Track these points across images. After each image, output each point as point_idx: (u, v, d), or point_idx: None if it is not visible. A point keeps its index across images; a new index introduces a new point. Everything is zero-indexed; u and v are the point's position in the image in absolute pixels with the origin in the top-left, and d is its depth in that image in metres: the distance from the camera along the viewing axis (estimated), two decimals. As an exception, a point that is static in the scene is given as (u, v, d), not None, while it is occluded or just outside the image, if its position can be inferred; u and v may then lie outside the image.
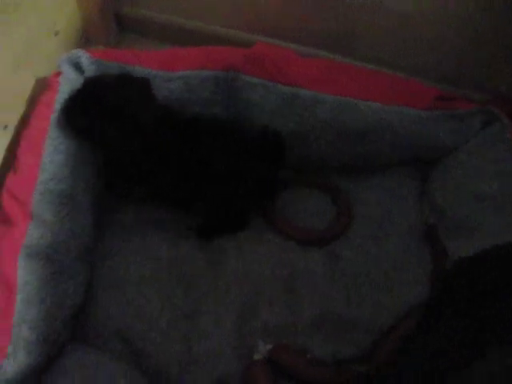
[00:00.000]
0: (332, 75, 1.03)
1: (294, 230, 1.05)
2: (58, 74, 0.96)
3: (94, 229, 0.99)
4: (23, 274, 0.82)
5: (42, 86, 0.99)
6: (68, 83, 0.94)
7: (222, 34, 1.25)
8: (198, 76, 1.01)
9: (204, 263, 1.02)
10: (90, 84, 0.92)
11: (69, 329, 0.89)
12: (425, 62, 1.17)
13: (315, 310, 0.98)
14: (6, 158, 0.96)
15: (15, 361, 0.77)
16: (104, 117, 0.89)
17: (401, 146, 1.06)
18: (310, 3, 1.13)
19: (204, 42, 1.09)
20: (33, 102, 0.99)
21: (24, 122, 0.96)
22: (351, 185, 1.11)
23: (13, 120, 0.98)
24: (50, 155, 0.90)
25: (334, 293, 0.99)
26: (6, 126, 0.96)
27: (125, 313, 0.95)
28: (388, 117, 1.01)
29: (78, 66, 0.98)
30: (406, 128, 1.03)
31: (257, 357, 0.92)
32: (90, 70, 0.98)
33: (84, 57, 0.97)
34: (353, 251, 1.04)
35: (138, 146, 0.93)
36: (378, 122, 1.02)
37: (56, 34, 1.08)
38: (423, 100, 1.03)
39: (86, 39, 1.23)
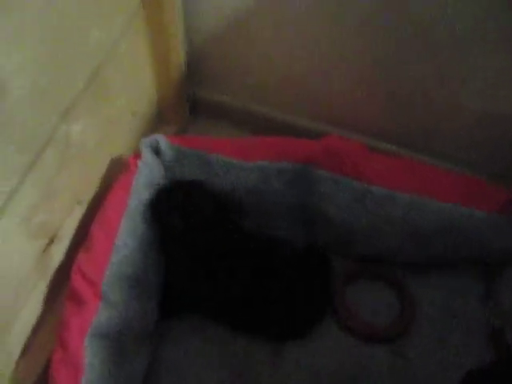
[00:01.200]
0: (406, 173, 1.04)
1: (359, 325, 1.03)
2: (137, 156, 0.98)
3: (159, 313, 0.98)
4: (89, 355, 0.82)
5: (118, 165, 1.02)
6: (146, 167, 0.97)
7: (293, 122, 1.27)
8: (275, 167, 1.02)
9: (264, 353, 1.01)
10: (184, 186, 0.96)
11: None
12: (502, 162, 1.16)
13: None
14: (77, 233, 0.98)
15: None
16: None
17: (470, 247, 1.04)
18: (386, 100, 1.14)
19: (275, 129, 1.12)
20: (108, 180, 1.01)
21: (98, 199, 0.98)
22: (415, 281, 1.09)
23: (87, 197, 1.00)
24: (124, 238, 0.91)
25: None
26: (80, 202, 0.98)
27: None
28: (459, 218, 1.01)
29: (156, 151, 1.00)
30: (476, 231, 1.02)
31: None
32: (168, 154, 1.00)
33: (163, 142, 1.00)
34: (417, 352, 1.02)
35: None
36: (449, 223, 1.01)
37: (133, 114, 1.12)
38: (495, 202, 1.03)
39: (159, 120, 1.26)
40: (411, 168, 1.06)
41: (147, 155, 0.98)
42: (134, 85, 1.10)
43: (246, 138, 1.07)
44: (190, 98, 1.30)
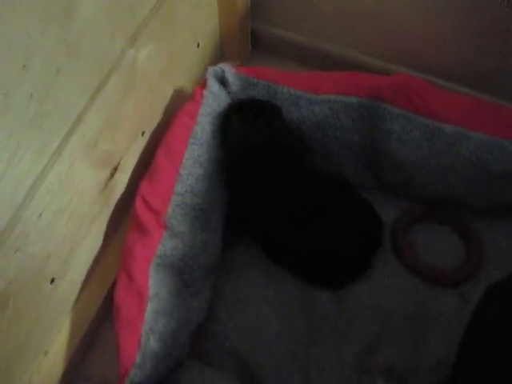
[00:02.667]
0: (478, 112, 0.99)
1: (425, 268, 1.00)
2: (203, 86, 0.96)
3: (222, 245, 0.97)
4: (155, 284, 0.81)
5: (182, 97, 0.99)
6: (212, 96, 0.95)
7: (357, 60, 1.23)
8: (344, 101, 0.98)
9: (327, 292, 0.98)
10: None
11: (190, 344, 0.88)
12: None
13: (438, 355, 0.92)
14: (140, 164, 0.96)
15: (142, 371, 0.76)
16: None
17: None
18: (452, 36, 1.08)
19: (338, 67, 1.07)
20: (170, 111, 0.99)
21: (161, 131, 0.97)
22: (484, 226, 1.05)
23: (149, 127, 0.98)
24: (189, 167, 0.90)
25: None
26: (143, 133, 0.96)
27: (243, 335, 0.93)
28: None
29: (222, 81, 0.98)
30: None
31: (375, 396, 0.88)
32: (234, 85, 0.98)
33: (229, 71, 0.97)
34: (482, 297, 0.98)
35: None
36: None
37: (197, 46, 1.09)
38: None
39: (222, 53, 1.23)
40: (484, 107, 1.01)
41: (213, 84, 0.96)
42: (200, 15, 1.07)
43: (314, 72, 1.03)
44: (253, 33, 1.26)
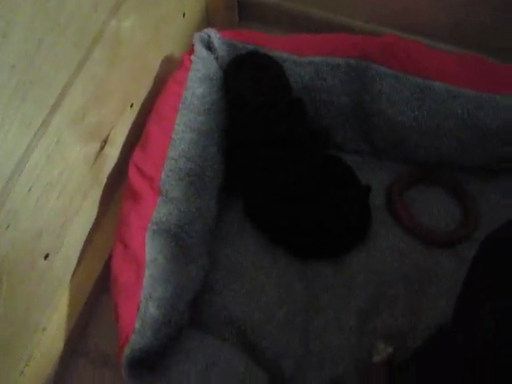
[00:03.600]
0: (469, 69, 0.97)
1: (422, 230, 0.99)
2: (190, 52, 0.96)
3: (217, 212, 0.96)
4: (151, 251, 0.81)
5: (169, 67, 0.98)
6: (200, 62, 0.94)
7: (345, 24, 1.21)
8: (330, 62, 0.97)
9: (325, 259, 0.98)
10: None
11: (189, 313, 0.87)
12: None
13: (437, 316, 0.92)
14: (130, 136, 0.95)
15: (142, 338, 0.75)
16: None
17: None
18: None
19: (326, 32, 1.06)
20: (159, 81, 0.98)
21: (150, 102, 0.96)
22: (479, 186, 1.05)
23: (138, 99, 0.97)
24: (181, 132, 0.89)
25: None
26: (132, 104, 0.95)
27: (241, 303, 0.93)
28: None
29: (209, 46, 0.97)
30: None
31: (376, 359, 0.87)
32: (221, 49, 0.97)
33: (216, 36, 0.97)
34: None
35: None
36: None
37: (183, 15, 1.07)
38: None
39: (208, 23, 1.21)
40: (475, 63, 1.00)
41: (200, 49, 0.96)
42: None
43: (300, 35, 1.02)
44: (239, 2, 1.24)
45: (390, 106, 0.98)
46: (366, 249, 0.98)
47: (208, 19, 1.21)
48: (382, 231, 1.00)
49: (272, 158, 0.94)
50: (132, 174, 0.86)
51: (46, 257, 0.83)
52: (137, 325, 0.75)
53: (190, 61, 0.94)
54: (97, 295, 0.97)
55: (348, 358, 0.89)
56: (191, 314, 0.89)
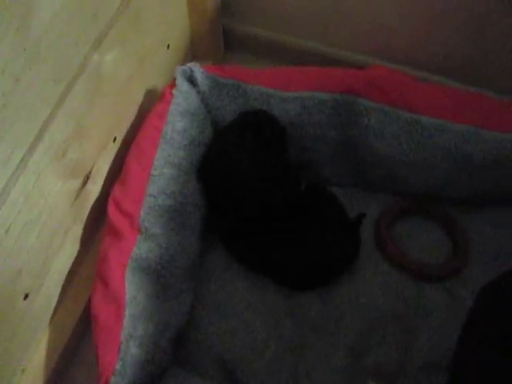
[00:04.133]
0: (456, 102, 0.97)
1: (410, 263, 0.98)
2: (172, 86, 0.95)
3: (200, 247, 0.95)
4: (131, 290, 0.80)
5: (152, 100, 0.97)
6: (181, 96, 0.93)
7: (332, 54, 1.21)
8: (316, 97, 0.96)
9: (315, 293, 0.96)
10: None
11: (171, 351, 0.85)
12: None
13: (428, 352, 0.90)
14: (113, 172, 0.94)
15: (123, 378, 0.73)
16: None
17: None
18: (431, 23, 1.07)
19: (314, 63, 1.05)
20: (142, 115, 0.97)
21: (133, 135, 0.95)
22: (468, 218, 1.03)
23: (121, 132, 0.96)
24: (160, 168, 0.88)
25: (449, 337, 0.91)
26: (115, 139, 0.94)
27: (228, 341, 0.90)
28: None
29: (191, 80, 0.96)
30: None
31: (368, 398, 0.86)
32: (203, 84, 0.97)
33: (199, 71, 0.96)
34: (469, 291, 0.96)
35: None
36: (504, 152, 0.94)
37: (167, 47, 1.06)
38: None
39: (193, 55, 1.20)
40: (462, 97, 0.99)
41: (182, 83, 0.95)
42: (168, 16, 1.05)
43: (285, 68, 1.01)
44: (225, 32, 1.24)
45: (378, 140, 0.97)
46: (355, 284, 0.96)
47: (193, 50, 1.20)
48: (370, 265, 0.98)
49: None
50: (111, 210, 0.85)
51: (26, 297, 0.81)
52: (117, 365, 0.73)
53: (172, 94, 0.93)
54: (79, 335, 0.94)
55: (339, 397, 0.86)
56: (175, 351, 0.86)
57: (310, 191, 1.00)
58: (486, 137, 0.94)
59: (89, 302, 0.86)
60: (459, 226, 1.02)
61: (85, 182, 0.89)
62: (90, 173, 0.89)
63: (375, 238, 1.01)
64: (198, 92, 0.98)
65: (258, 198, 0.92)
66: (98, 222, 0.95)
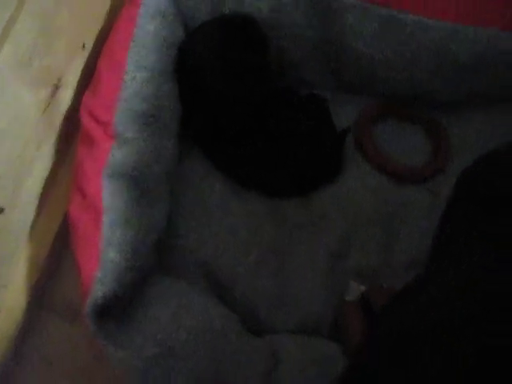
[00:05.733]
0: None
1: (391, 165, 0.97)
2: (141, -13, 0.89)
3: (177, 153, 0.93)
4: (108, 196, 0.78)
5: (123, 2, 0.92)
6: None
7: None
8: (292, -6, 0.91)
9: (293, 199, 0.96)
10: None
11: (153, 258, 0.85)
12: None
13: (411, 252, 0.91)
14: (84, 79, 0.90)
15: (103, 286, 0.72)
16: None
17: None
18: None
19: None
20: (113, 17, 0.92)
21: (104, 41, 0.90)
22: (450, 119, 1.02)
23: (90, 39, 0.92)
24: (133, 72, 0.84)
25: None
26: (84, 45, 0.90)
27: (209, 246, 0.90)
28: (504, 45, 0.91)
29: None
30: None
31: (349, 298, 0.86)
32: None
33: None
34: (451, 188, 0.96)
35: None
36: (492, 50, 0.92)
37: None
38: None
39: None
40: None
41: (151, -18, 0.89)
42: None
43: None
44: None
45: (357, 38, 0.94)
46: (336, 187, 0.96)
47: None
48: (351, 169, 0.97)
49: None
50: (84, 118, 0.82)
51: (1, 211, 0.79)
52: (98, 273, 0.73)
53: (140, -4, 0.88)
54: (60, 248, 0.93)
55: (321, 298, 0.88)
56: (157, 258, 0.86)
57: (301, 99, 0.98)
58: (471, 35, 0.91)
59: (67, 213, 0.84)
60: (441, 127, 1.01)
61: (55, 91, 0.85)
62: (59, 81, 0.85)
63: (355, 139, 1.01)
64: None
65: (235, 97, 0.89)
66: (71, 132, 0.92)
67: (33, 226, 0.89)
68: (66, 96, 0.89)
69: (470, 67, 0.94)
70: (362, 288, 0.87)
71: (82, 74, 0.91)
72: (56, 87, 0.85)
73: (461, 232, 0.59)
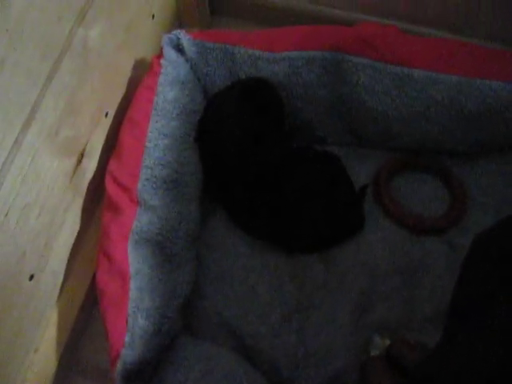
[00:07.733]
0: (447, 53, 0.95)
1: (409, 218, 0.98)
2: (160, 55, 0.94)
3: (200, 217, 0.95)
4: (134, 262, 0.80)
5: (142, 71, 0.96)
6: (170, 65, 0.93)
7: (322, 13, 1.18)
8: (304, 57, 0.95)
9: (316, 253, 0.97)
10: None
11: (180, 321, 0.86)
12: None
13: (433, 304, 0.91)
14: (107, 146, 0.94)
15: (133, 350, 0.74)
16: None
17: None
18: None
19: (300, 22, 1.03)
20: (133, 87, 0.96)
21: (125, 109, 0.94)
22: (465, 170, 1.03)
23: (113, 107, 0.95)
24: (155, 139, 0.87)
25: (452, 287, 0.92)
26: (107, 114, 0.93)
27: (233, 307, 0.91)
28: (509, 96, 0.92)
29: (178, 48, 0.95)
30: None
31: (374, 352, 0.87)
32: (191, 51, 0.96)
33: (185, 37, 0.95)
34: (469, 240, 0.96)
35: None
36: (498, 101, 0.93)
37: (152, 17, 1.05)
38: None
39: (180, 23, 1.19)
40: (453, 47, 0.98)
41: (170, 52, 0.94)
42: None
43: (272, 29, 1.00)
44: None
45: (370, 96, 0.96)
46: (355, 242, 0.97)
47: (179, 18, 1.18)
48: (370, 222, 0.98)
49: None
50: (109, 184, 0.85)
51: (31, 277, 0.81)
52: (127, 338, 0.74)
53: (160, 64, 0.92)
54: (88, 309, 0.95)
55: (345, 355, 0.88)
56: (183, 320, 0.88)
57: (316, 157, 1.00)
58: (478, 86, 0.93)
59: (94, 276, 0.86)
60: (456, 177, 1.02)
61: (80, 159, 0.88)
62: (84, 149, 0.89)
63: (373, 194, 1.02)
64: (186, 60, 0.97)
65: (255, 163, 0.92)
66: (96, 197, 0.95)
67: (61, 290, 0.91)
68: (91, 164, 0.92)
69: (478, 118, 0.96)
70: (387, 342, 0.87)
71: (105, 141, 0.94)
72: (81, 155, 0.88)
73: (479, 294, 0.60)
